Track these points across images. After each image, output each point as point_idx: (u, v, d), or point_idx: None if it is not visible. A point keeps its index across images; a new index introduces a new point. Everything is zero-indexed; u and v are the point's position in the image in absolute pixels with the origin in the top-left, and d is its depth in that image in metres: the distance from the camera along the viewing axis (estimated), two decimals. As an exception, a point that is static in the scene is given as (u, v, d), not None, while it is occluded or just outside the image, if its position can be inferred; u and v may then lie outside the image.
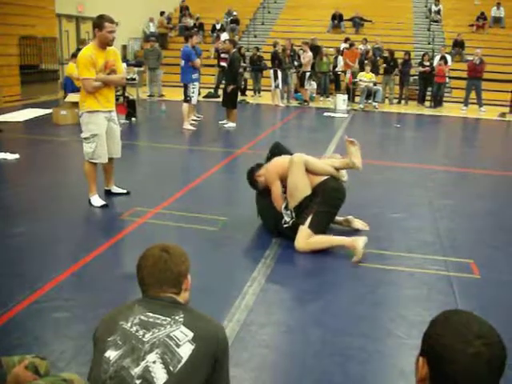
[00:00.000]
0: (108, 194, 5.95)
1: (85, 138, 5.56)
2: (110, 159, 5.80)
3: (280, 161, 4.93)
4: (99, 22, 5.34)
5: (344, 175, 5.02)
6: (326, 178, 4.76)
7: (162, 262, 1.95)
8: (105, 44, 5.42)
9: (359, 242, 4.42)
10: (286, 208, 4.73)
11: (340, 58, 16.84)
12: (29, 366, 2.24)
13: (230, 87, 10.89)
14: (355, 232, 5.01)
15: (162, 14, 21.21)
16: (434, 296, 3.90)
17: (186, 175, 7.39)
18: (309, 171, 4.73)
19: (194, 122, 11.09)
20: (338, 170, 4.91)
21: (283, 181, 4.79)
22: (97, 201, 5.62)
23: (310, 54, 15.33)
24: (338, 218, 5.09)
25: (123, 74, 5.86)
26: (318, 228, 4.59)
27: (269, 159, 5.15)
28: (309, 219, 4.58)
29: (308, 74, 15.53)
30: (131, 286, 3.46)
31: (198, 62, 10.59)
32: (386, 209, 5.81)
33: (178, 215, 5.43)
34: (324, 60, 16.48)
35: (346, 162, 4.93)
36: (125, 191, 6.05)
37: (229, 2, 21.83)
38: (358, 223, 5.13)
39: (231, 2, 21.85)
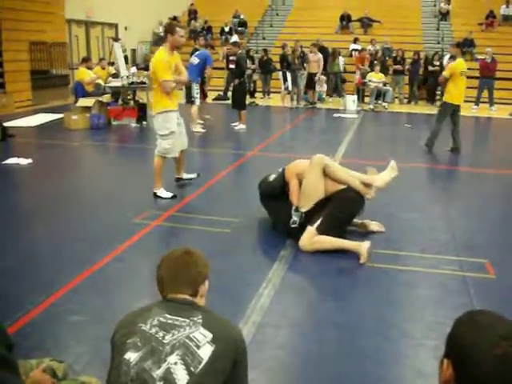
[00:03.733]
0: (179, 181, 6.54)
1: (163, 135, 5.94)
2: (183, 150, 6.31)
3: (302, 162, 4.93)
4: (171, 28, 5.78)
5: (371, 193, 4.84)
6: (344, 187, 4.71)
7: (182, 263, 1.99)
8: (175, 47, 5.87)
9: (364, 246, 4.40)
10: (297, 210, 4.71)
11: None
12: (46, 369, 2.24)
13: (237, 81, 11.11)
14: (369, 234, 4.99)
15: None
16: (449, 296, 3.87)
17: (197, 178, 7.39)
18: (329, 177, 4.70)
19: (201, 122, 11.11)
20: (366, 185, 4.80)
21: (300, 181, 4.77)
22: (165, 193, 6.03)
23: (320, 55, 15.18)
24: (355, 221, 5.05)
25: (186, 75, 6.23)
26: (326, 231, 4.55)
27: (261, 195, 5.16)
28: (318, 221, 4.57)
29: (318, 75, 15.41)
30: (147, 289, 3.49)
31: (209, 70, 10.87)
32: (399, 209, 5.78)
33: (190, 217, 5.45)
34: (336, 61, 16.48)
35: (372, 180, 4.86)
36: (195, 175, 6.68)
37: (237, 4, 21.87)
38: (375, 225, 5.10)
39: (239, 5, 21.88)
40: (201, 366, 1.75)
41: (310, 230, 4.55)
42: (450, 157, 8.93)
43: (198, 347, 1.78)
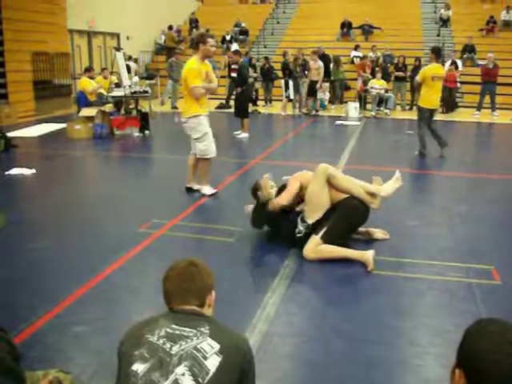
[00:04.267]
0: (189, 190, 6.60)
1: (197, 138, 6.26)
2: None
3: (307, 173, 4.93)
4: (203, 38, 6.17)
5: (377, 203, 4.88)
6: (348, 196, 4.69)
7: (188, 274, 1.99)
8: (207, 56, 6.28)
9: (368, 256, 4.39)
10: (303, 220, 4.69)
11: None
12: (53, 380, 2.24)
13: (239, 89, 11.22)
14: (373, 241, 4.99)
15: (170, 28, 21.22)
16: (456, 303, 3.86)
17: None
18: (333, 186, 4.69)
19: None
20: (371, 194, 4.82)
21: (303, 190, 4.77)
22: (209, 190, 6.42)
23: (320, 63, 15.06)
24: (359, 229, 5.04)
25: (216, 83, 6.55)
26: (331, 240, 4.54)
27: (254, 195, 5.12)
28: (323, 231, 4.55)
29: (319, 82, 15.33)
30: (152, 298, 3.48)
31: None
32: (402, 216, 5.77)
33: (194, 227, 5.45)
34: (340, 69, 16.49)
35: (377, 190, 4.87)
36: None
37: (238, 13, 21.94)
38: (379, 233, 5.10)
39: (241, 13, 21.95)
40: (208, 377, 1.75)
41: (315, 238, 4.54)
42: (451, 163, 8.92)
43: (206, 358, 1.78)
